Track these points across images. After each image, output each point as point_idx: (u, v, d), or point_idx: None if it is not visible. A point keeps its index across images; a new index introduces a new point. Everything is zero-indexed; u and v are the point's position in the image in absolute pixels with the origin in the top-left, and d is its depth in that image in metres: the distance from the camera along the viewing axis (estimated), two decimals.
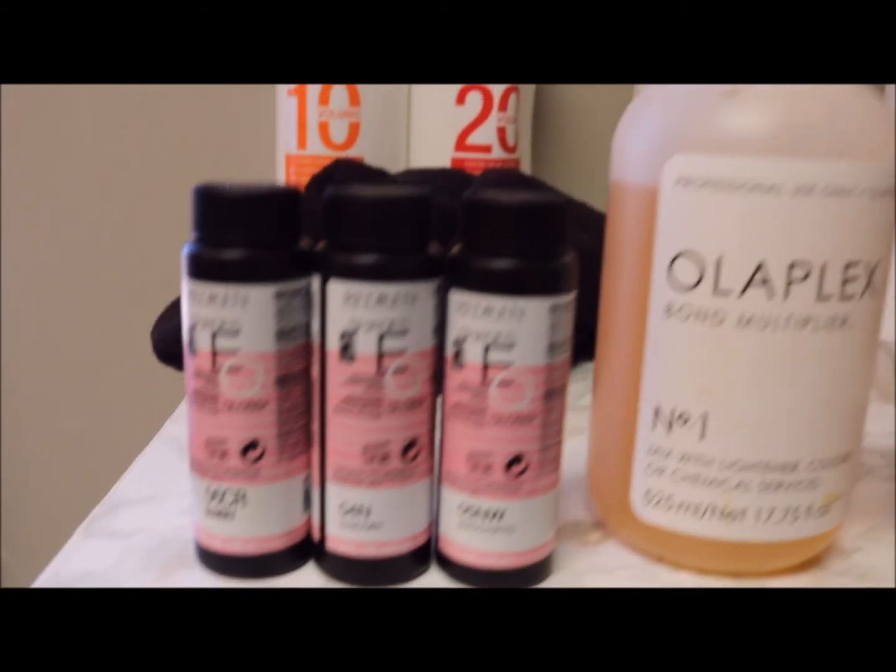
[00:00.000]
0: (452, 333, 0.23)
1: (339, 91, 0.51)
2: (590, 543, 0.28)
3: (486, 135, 0.52)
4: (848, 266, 0.24)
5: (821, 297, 0.24)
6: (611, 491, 0.27)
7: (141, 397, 0.71)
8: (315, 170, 0.48)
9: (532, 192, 0.24)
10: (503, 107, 0.52)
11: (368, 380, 0.23)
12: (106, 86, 0.66)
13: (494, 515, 0.24)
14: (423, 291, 0.23)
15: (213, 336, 0.23)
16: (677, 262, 0.24)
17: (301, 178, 0.52)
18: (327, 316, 0.23)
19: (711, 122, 0.24)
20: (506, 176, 0.47)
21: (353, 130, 0.51)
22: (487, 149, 0.53)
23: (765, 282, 0.23)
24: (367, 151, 0.52)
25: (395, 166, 0.53)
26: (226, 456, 0.23)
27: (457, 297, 0.23)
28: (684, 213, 0.24)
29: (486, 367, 0.23)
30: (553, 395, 0.24)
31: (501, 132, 0.53)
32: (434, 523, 0.25)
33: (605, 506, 0.28)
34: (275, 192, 0.23)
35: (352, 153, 0.52)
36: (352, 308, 0.22)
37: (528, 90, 0.56)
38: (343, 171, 0.45)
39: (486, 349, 0.23)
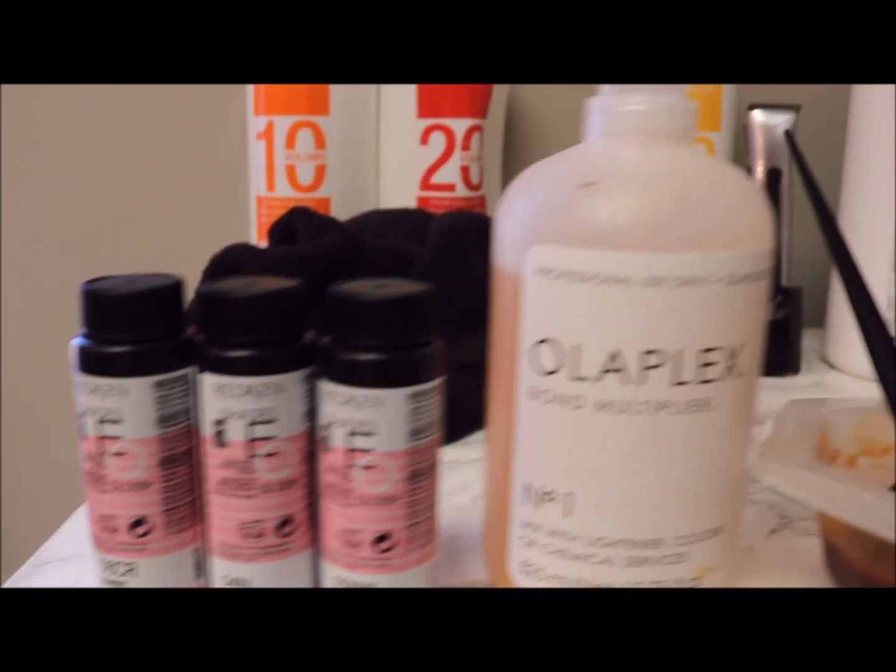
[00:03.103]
0: (321, 419, 0.25)
1: (304, 135, 0.52)
2: None
3: (449, 174, 0.54)
4: (706, 352, 0.24)
5: (677, 382, 0.24)
6: (497, 557, 0.28)
7: None
8: (283, 211, 0.50)
9: (400, 282, 0.25)
10: (466, 146, 0.53)
11: (240, 464, 0.24)
12: (87, 123, 0.69)
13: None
14: (291, 382, 0.24)
15: (99, 423, 0.25)
16: (540, 348, 0.25)
17: (271, 219, 0.54)
18: (202, 404, 0.25)
19: (567, 214, 0.25)
20: (462, 217, 0.48)
21: (320, 173, 0.53)
22: (451, 187, 0.54)
23: (620, 369, 0.24)
24: (335, 193, 0.54)
25: (363, 206, 0.55)
26: (116, 531, 0.25)
27: (324, 386, 0.24)
28: (544, 302, 0.25)
29: (349, 451, 0.24)
30: (418, 476, 0.25)
31: (465, 171, 0.54)
32: None
33: (494, 571, 0.29)
34: (155, 288, 0.25)
35: (319, 195, 0.53)
36: (222, 398, 0.24)
37: (495, 128, 0.57)
38: (299, 218, 0.47)
39: (350, 435, 0.24)
